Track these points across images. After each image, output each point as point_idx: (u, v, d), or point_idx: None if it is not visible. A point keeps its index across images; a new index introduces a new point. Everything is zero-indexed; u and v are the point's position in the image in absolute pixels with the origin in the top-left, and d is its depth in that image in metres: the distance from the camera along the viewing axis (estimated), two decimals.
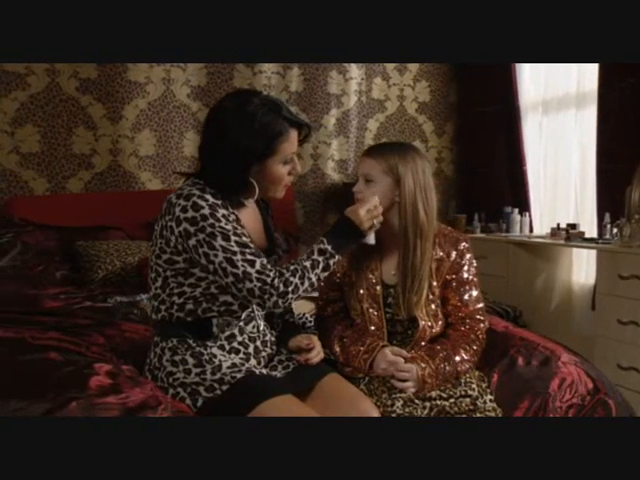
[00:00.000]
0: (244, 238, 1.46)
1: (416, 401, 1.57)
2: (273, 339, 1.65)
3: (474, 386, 1.62)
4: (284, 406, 1.41)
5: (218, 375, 1.47)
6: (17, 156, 3.39)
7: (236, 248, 1.42)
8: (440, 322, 1.70)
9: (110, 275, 2.81)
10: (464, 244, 1.73)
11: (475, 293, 1.71)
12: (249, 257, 1.43)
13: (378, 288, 1.68)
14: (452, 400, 1.58)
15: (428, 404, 1.57)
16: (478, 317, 1.71)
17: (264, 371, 1.55)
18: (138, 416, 1.29)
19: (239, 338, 1.54)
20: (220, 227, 1.42)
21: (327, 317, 1.78)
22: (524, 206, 3.86)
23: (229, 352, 1.52)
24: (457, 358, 1.62)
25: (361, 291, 1.69)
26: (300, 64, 3.91)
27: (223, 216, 1.45)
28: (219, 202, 1.47)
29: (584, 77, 3.51)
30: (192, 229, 1.43)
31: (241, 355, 1.54)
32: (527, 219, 3.78)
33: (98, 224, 3.25)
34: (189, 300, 1.51)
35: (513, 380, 1.68)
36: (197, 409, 1.44)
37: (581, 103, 3.54)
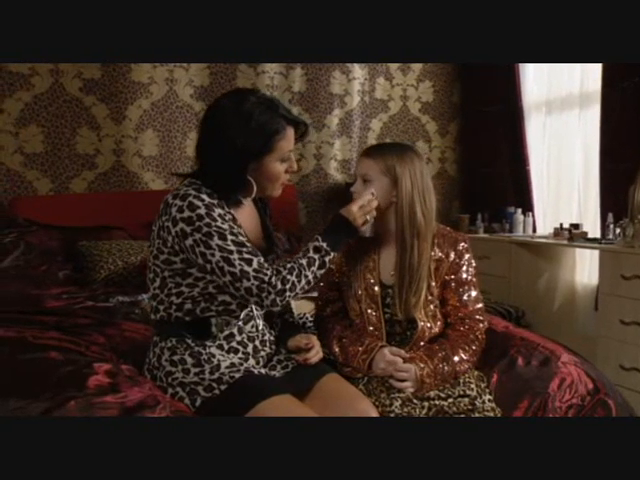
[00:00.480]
0: (241, 237, 1.46)
1: (414, 401, 1.57)
2: (272, 338, 1.65)
3: (473, 386, 1.62)
4: (282, 406, 1.42)
5: (217, 375, 1.48)
6: (21, 156, 3.40)
7: (233, 247, 1.43)
8: (439, 323, 1.70)
9: (112, 275, 2.82)
10: (463, 244, 1.73)
11: (474, 293, 1.71)
12: (246, 256, 1.43)
13: (376, 288, 1.68)
14: (451, 400, 1.58)
15: (427, 404, 1.57)
16: (477, 317, 1.70)
17: (263, 371, 1.56)
18: (136, 416, 1.29)
19: (238, 338, 1.55)
20: (216, 226, 1.43)
21: (326, 317, 1.79)
22: (527, 206, 3.86)
23: (228, 352, 1.53)
24: (456, 358, 1.62)
25: (359, 291, 1.69)
26: (303, 64, 3.91)
27: (219, 215, 1.45)
28: (215, 202, 1.48)
29: (587, 77, 3.50)
30: (188, 229, 1.43)
31: (240, 355, 1.54)
32: (530, 219, 3.78)
33: (101, 224, 3.27)
34: (187, 300, 1.51)
35: (513, 380, 1.68)
36: (196, 409, 1.45)
37: (584, 103, 3.54)
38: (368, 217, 1.57)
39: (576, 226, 3.36)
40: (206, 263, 1.44)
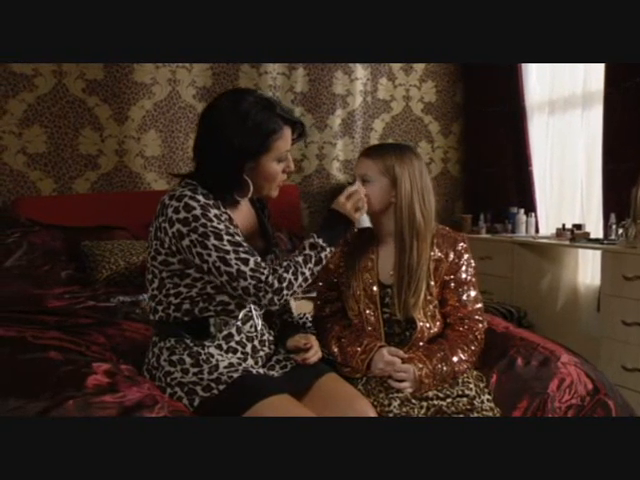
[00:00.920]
0: (237, 237, 1.46)
1: (413, 401, 1.57)
2: (271, 338, 1.66)
3: (472, 386, 1.62)
4: (281, 406, 1.42)
5: (215, 375, 1.48)
6: (24, 157, 3.42)
7: (229, 247, 1.43)
8: (438, 323, 1.70)
9: (114, 275, 2.83)
10: (462, 244, 1.73)
11: (473, 293, 1.71)
12: (242, 255, 1.43)
13: (375, 288, 1.68)
14: (449, 400, 1.58)
15: (425, 404, 1.57)
16: (477, 317, 1.70)
17: (261, 371, 1.56)
18: (134, 416, 1.29)
19: (236, 337, 1.55)
20: (212, 227, 1.43)
21: (325, 317, 1.79)
22: (530, 206, 3.85)
23: (226, 352, 1.53)
24: (455, 358, 1.62)
25: (358, 291, 1.69)
26: (305, 65, 3.92)
27: (215, 216, 1.45)
28: (211, 202, 1.48)
29: (590, 77, 3.49)
30: (185, 230, 1.44)
31: (239, 355, 1.55)
32: (533, 219, 3.77)
33: (104, 224, 3.28)
34: (186, 300, 1.52)
35: (512, 380, 1.68)
36: (194, 408, 1.45)
37: (587, 103, 3.53)
38: (360, 204, 1.57)
39: (579, 226, 3.35)
40: (203, 263, 1.44)
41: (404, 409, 1.55)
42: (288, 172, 1.59)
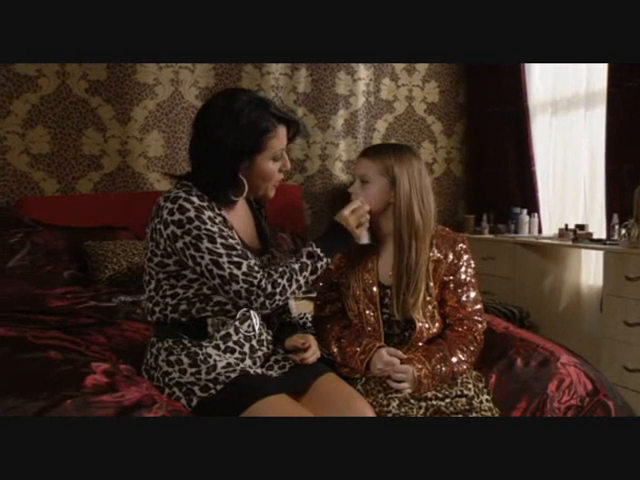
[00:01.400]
0: (230, 240, 1.47)
1: (412, 401, 1.57)
2: (269, 338, 1.66)
3: (470, 386, 1.62)
4: (278, 406, 1.42)
5: (213, 375, 1.49)
6: (28, 157, 3.43)
7: (222, 250, 1.43)
8: (437, 323, 1.70)
9: (117, 275, 2.84)
10: (462, 245, 1.72)
11: (473, 294, 1.71)
12: (235, 259, 1.44)
13: (374, 289, 1.68)
14: (448, 400, 1.58)
15: (424, 404, 1.57)
16: (476, 318, 1.70)
17: (259, 371, 1.56)
18: (132, 415, 1.30)
19: (234, 337, 1.56)
20: (206, 229, 1.44)
21: (325, 317, 1.79)
22: (533, 207, 3.84)
23: (224, 352, 1.54)
24: (454, 359, 1.62)
25: (358, 292, 1.69)
26: (308, 65, 3.92)
27: (209, 218, 1.46)
28: (205, 204, 1.48)
29: (593, 77, 3.48)
30: (179, 232, 1.44)
31: (237, 355, 1.55)
32: (536, 220, 3.76)
33: (107, 224, 3.29)
34: (182, 301, 1.52)
35: (511, 381, 1.68)
36: (192, 408, 1.46)
37: (590, 103, 3.52)
38: (362, 220, 1.58)
39: (581, 227, 3.35)
40: (196, 266, 1.44)
41: (403, 409, 1.55)
42: (284, 171, 1.58)
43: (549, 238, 3.57)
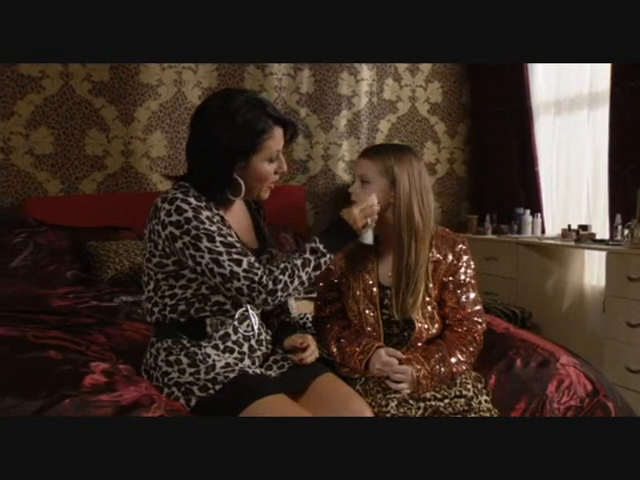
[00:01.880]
0: (229, 238, 1.47)
1: (411, 401, 1.57)
2: (268, 338, 1.66)
3: (469, 387, 1.62)
4: (277, 406, 1.43)
5: (211, 375, 1.49)
6: (32, 157, 3.44)
7: (222, 248, 1.43)
8: (437, 324, 1.70)
9: (119, 275, 2.85)
10: (461, 246, 1.72)
11: (472, 295, 1.71)
12: (235, 256, 1.44)
13: (375, 289, 1.68)
14: (447, 401, 1.58)
15: (422, 404, 1.57)
16: (476, 319, 1.70)
17: (258, 371, 1.56)
18: (130, 415, 1.30)
19: (233, 337, 1.56)
20: (204, 229, 1.44)
21: (325, 317, 1.79)
22: (536, 207, 3.84)
23: (223, 351, 1.54)
24: (453, 359, 1.62)
25: (358, 292, 1.70)
26: (311, 65, 3.92)
27: (207, 218, 1.46)
28: (203, 204, 1.48)
29: (596, 77, 3.47)
30: (177, 232, 1.44)
31: (235, 354, 1.55)
32: (539, 220, 3.76)
33: (110, 224, 3.30)
34: (181, 301, 1.53)
35: (510, 381, 1.68)
36: (191, 408, 1.46)
37: (593, 103, 3.51)
38: (369, 220, 1.56)
39: (585, 227, 3.34)
40: (196, 265, 1.45)
41: (401, 410, 1.55)
42: (280, 173, 1.58)
43: (552, 238, 3.56)
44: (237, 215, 1.61)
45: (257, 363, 1.60)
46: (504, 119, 4.06)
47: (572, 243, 3.27)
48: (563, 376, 1.69)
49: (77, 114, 3.49)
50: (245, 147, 1.48)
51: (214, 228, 1.45)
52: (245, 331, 1.58)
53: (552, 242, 3.44)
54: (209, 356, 1.52)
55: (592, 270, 3.53)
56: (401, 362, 1.60)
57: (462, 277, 1.70)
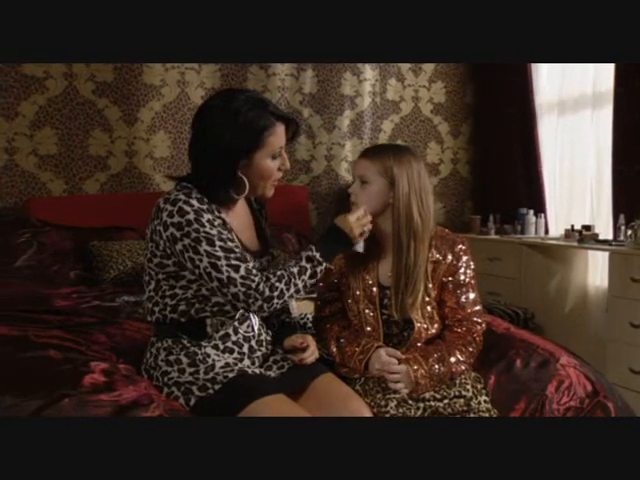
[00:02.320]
0: (229, 243, 1.47)
1: (410, 402, 1.57)
2: (268, 339, 1.66)
3: (469, 387, 1.62)
4: (275, 406, 1.43)
5: (211, 375, 1.49)
6: (35, 158, 3.46)
7: (220, 253, 1.44)
8: (436, 324, 1.70)
9: (122, 275, 2.86)
10: (461, 246, 1.72)
11: (472, 295, 1.71)
12: (234, 262, 1.44)
13: (374, 289, 1.68)
14: (446, 401, 1.58)
15: (422, 405, 1.57)
16: (475, 319, 1.70)
17: (257, 371, 1.57)
18: (129, 414, 1.31)
19: (233, 338, 1.56)
20: (205, 232, 1.44)
21: (325, 317, 1.79)
22: (539, 207, 3.82)
23: (223, 352, 1.54)
24: (452, 359, 1.62)
25: (357, 292, 1.70)
26: (314, 66, 3.92)
27: (208, 221, 1.46)
28: (204, 207, 1.49)
29: (600, 77, 3.46)
30: (178, 234, 1.45)
31: (235, 355, 1.56)
32: (542, 220, 3.75)
33: (113, 225, 3.31)
34: (182, 302, 1.53)
35: (510, 381, 1.68)
36: (190, 408, 1.46)
37: (597, 103, 3.50)
38: (365, 229, 1.57)
39: (588, 227, 3.33)
40: (195, 268, 1.45)
41: (400, 410, 1.56)
42: (284, 170, 1.59)
43: (555, 239, 3.55)
44: (239, 215, 1.62)
45: (257, 363, 1.60)
46: (508, 119, 4.05)
47: (575, 243, 3.26)
48: (563, 377, 1.69)
49: (81, 115, 3.50)
50: (248, 144, 1.49)
51: (214, 232, 1.45)
52: (245, 332, 1.58)
53: (555, 242, 3.43)
54: (209, 356, 1.52)
55: (596, 270, 3.52)
56: (400, 362, 1.60)
57: (462, 277, 1.70)
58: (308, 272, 1.50)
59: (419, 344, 1.67)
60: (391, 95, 4.19)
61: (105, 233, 3.20)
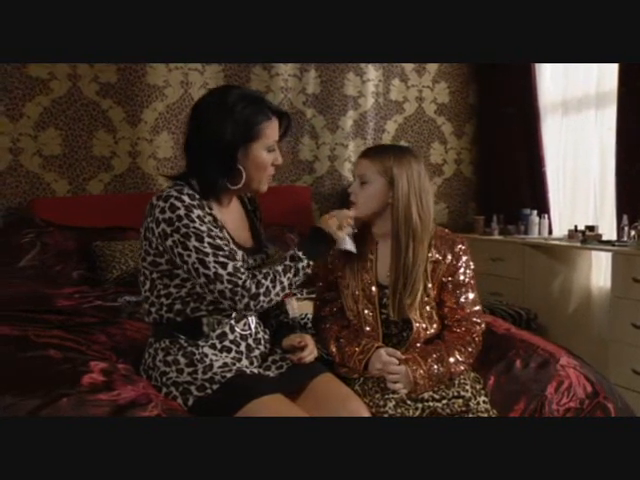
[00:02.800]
0: (218, 240, 1.48)
1: (408, 402, 1.57)
2: (266, 337, 1.67)
3: (468, 387, 1.62)
4: (273, 406, 1.43)
5: (209, 374, 1.50)
6: (40, 158, 3.47)
7: (209, 250, 1.45)
8: (435, 324, 1.70)
9: (124, 275, 2.87)
10: (460, 246, 1.72)
11: (472, 296, 1.71)
12: (221, 259, 1.45)
13: (373, 289, 1.68)
14: (445, 401, 1.58)
15: (420, 405, 1.57)
16: (475, 319, 1.70)
17: (255, 371, 1.57)
18: (127, 414, 1.31)
19: (230, 336, 1.57)
20: (194, 228, 1.45)
21: (324, 317, 1.79)
22: (543, 208, 3.81)
23: (221, 351, 1.55)
24: (451, 359, 1.62)
25: (356, 292, 1.70)
26: (317, 66, 3.92)
27: (198, 217, 1.47)
28: (195, 203, 1.50)
29: (604, 77, 3.45)
30: (169, 230, 1.46)
31: (233, 354, 1.56)
32: (546, 221, 3.74)
33: (117, 225, 3.32)
34: (177, 300, 1.54)
35: (510, 382, 1.68)
36: (188, 408, 1.47)
37: (601, 103, 3.49)
38: (343, 223, 1.60)
39: (591, 228, 3.31)
40: (183, 264, 1.46)
41: (399, 410, 1.56)
42: (276, 165, 1.60)
43: (558, 239, 3.54)
44: (233, 213, 1.63)
45: (255, 363, 1.60)
46: (511, 119, 4.03)
47: (578, 244, 3.25)
48: (563, 377, 1.68)
49: (85, 115, 3.52)
50: (245, 136, 1.51)
51: (204, 228, 1.47)
52: (242, 330, 1.59)
53: (558, 243, 3.42)
54: (206, 356, 1.52)
55: (599, 271, 3.51)
56: (399, 362, 1.60)
57: (461, 277, 1.70)
58: (292, 270, 1.52)
59: (418, 344, 1.67)
60: (394, 95, 4.19)
61: (108, 233, 3.21)
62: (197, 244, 1.44)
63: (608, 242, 3.09)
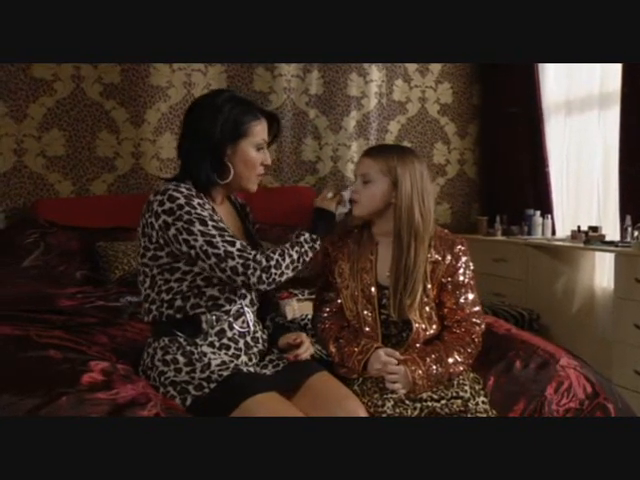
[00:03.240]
0: (220, 224, 1.52)
1: (407, 402, 1.57)
2: (264, 336, 1.68)
3: (467, 388, 1.62)
4: (269, 404, 1.44)
5: (207, 373, 1.51)
6: (43, 159, 3.48)
7: (214, 231, 1.48)
8: (435, 325, 1.70)
9: (127, 275, 2.87)
10: (460, 247, 1.72)
11: (471, 296, 1.71)
12: (228, 238, 1.49)
13: (373, 289, 1.68)
14: (443, 402, 1.58)
15: (419, 405, 1.57)
16: (474, 320, 1.70)
17: (252, 369, 1.58)
18: (126, 413, 1.31)
19: (229, 334, 1.58)
20: (197, 214, 1.49)
21: (323, 317, 1.79)
22: (546, 208, 3.81)
23: (219, 349, 1.56)
24: (450, 360, 1.61)
25: (356, 292, 1.70)
26: (320, 67, 3.93)
27: (198, 204, 1.51)
28: (194, 193, 1.54)
29: (607, 77, 3.44)
30: (170, 219, 1.48)
31: (232, 351, 1.57)
32: (549, 221, 3.73)
33: (120, 225, 3.32)
34: (177, 296, 1.55)
35: (509, 383, 1.68)
36: (186, 407, 1.47)
37: (604, 104, 3.48)
38: (337, 198, 1.66)
39: (595, 229, 3.31)
40: (190, 249, 1.48)
41: (397, 410, 1.56)
42: (265, 166, 1.63)
43: (561, 240, 3.53)
44: (226, 214, 1.65)
45: (254, 360, 1.61)
46: (514, 120, 4.03)
47: (581, 245, 3.24)
48: (562, 378, 1.68)
49: (88, 116, 3.53)
50: (234, 132, 1.55)
51: (206, 213, 1.51)
52: (241, 327, 1.60)
53: (561, 244, 3.41)
54: (205, 354, 1.53)
55: (602, 272, 3.50)
56: (398, 363, 1.60)
57: (461, 278, 1.70)
58: (299, 244, 1.56)
59: (418, 345, 1.67)
60: (397, 96, 4.19)
61: (111, 234, 3.22)
62: (202, 228, 1.47)
63: (611, 243, 3.08)
